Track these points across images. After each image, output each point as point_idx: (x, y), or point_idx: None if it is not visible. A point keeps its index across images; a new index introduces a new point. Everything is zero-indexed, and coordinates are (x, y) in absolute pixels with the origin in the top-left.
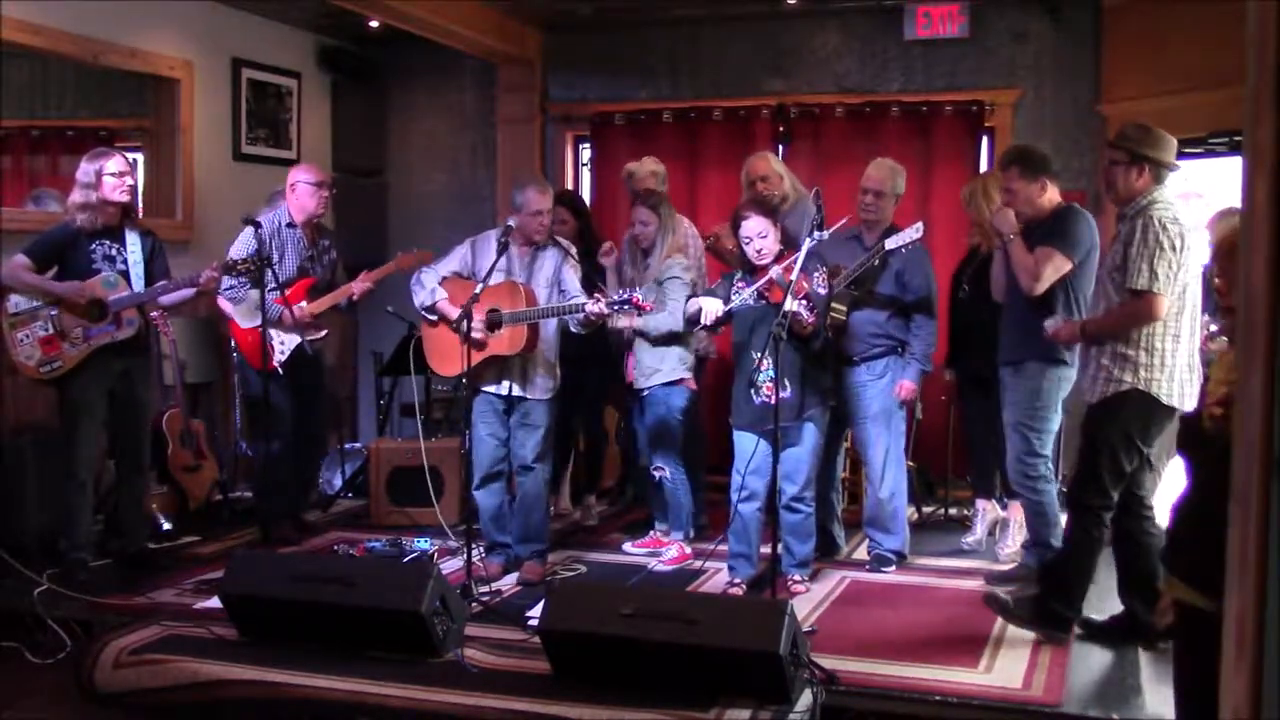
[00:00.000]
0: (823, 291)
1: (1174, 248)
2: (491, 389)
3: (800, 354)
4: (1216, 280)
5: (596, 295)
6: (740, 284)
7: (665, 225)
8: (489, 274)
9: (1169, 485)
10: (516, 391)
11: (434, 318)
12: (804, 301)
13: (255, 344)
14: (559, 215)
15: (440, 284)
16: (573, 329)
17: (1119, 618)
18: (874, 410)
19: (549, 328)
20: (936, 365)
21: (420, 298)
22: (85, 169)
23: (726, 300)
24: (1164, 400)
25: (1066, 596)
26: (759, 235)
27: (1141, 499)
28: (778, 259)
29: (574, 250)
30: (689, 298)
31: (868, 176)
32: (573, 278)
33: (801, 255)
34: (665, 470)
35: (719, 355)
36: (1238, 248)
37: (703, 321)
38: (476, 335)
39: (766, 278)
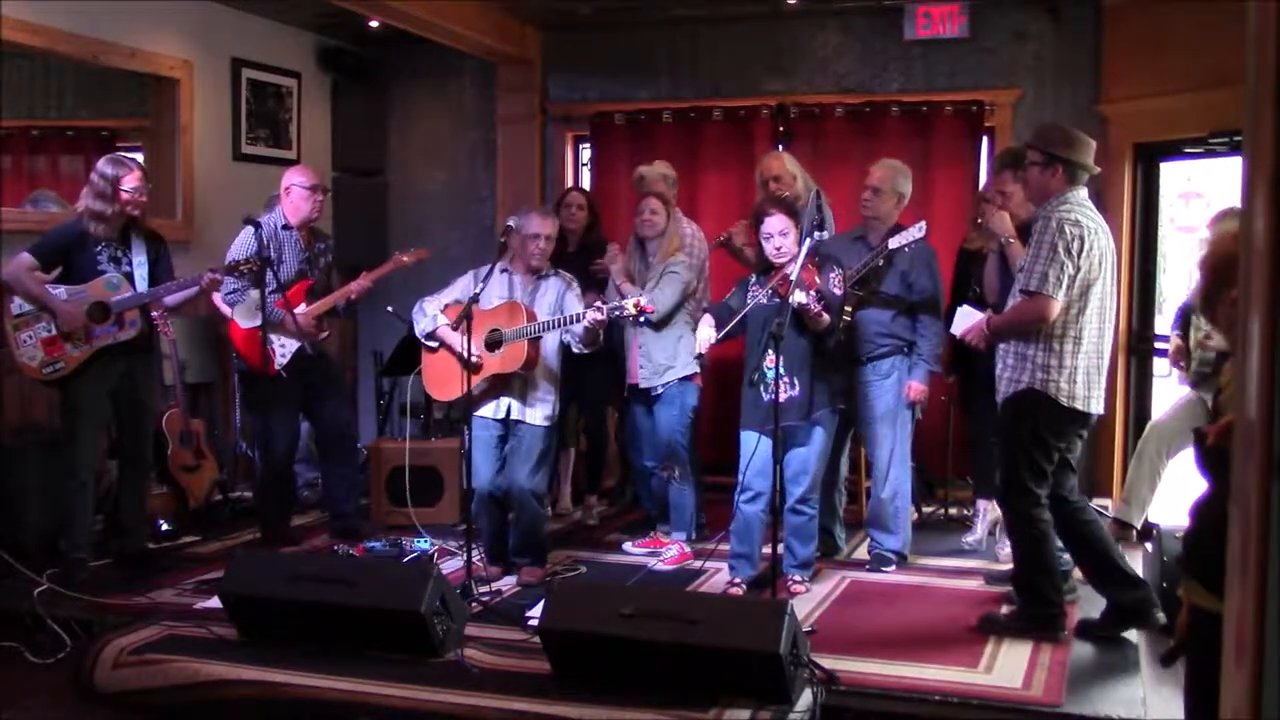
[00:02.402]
0: (838, 292)
1: (1069, 251)
2: (488, 413)
3: (812, 351)
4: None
5: (598, 304)
6: (755, 287)
7: (670, 221)
8: (480, 292)
9: (1174, 487)
10: (514, 414)
11: (434, 344)
12: (813, 294)
13: (254, 345)
14: (576, 201)
15: (442, 311)
16: (574, 350)
17: (1106, 612)
18: (880, 410)
19: (550, 349)
20: (943, 365)
21: (421, 325)
22: (104, 174)
23: (743, 305)
24: (1062, 402)
25: (1040, 596)
26: (780, 233)
27: (1065, 498)
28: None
29: (575, 282)
30: (683, 298)
31: (869, 173)
32: (576, 305)
33: (802, 254)
34: (674, 470)
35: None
36: (1217, 285)
37: (697, 350)
38: (474, 359)
39: (782, 275)
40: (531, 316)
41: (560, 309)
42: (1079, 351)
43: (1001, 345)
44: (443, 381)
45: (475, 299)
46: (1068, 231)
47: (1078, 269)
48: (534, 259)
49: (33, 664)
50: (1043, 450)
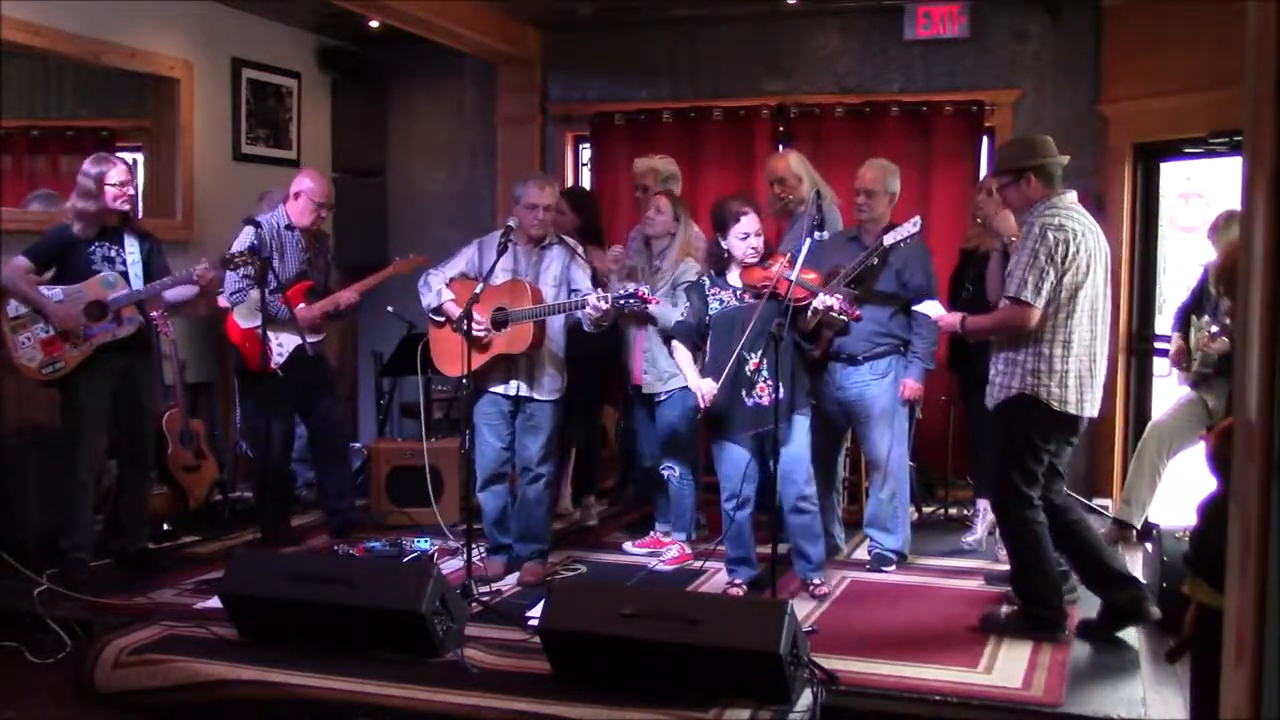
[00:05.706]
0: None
1: (1050, 257)
2: (499, 389)
3: (793, 353)
4: (1225, 304)
5: (600, 292)
6: (714, 288)
7: (680, 223)
8: (490, 273)
9: (1174, 487)
10: (524, 392)
11: (441, 319)
12: (838, 296)
13: (251, 342)
14: (558, 208)
15: (447, 285)
16: (585, 328)
17: (1102, 612)
18: (877, 410)
19: (555, 326)
20: (939, 364)
21: (427, 299)
22: (88, 173)
23: (705, 304)
24: (1054, 406)
25: (1038, 598)
26: (755, 233)
27: (1050, 500)
28: (768, 258)
29: (581, 249)
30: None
31: (860, 176)
32: (582, 276)
33: (802, 255)
34: (675, 471)
35: None
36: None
37: (700, 404)
38: (479, 333)
39: (767, 275)
40: (536, 294)
41: (567, 281)
42: (1069, 355)
43: (993, 352)
44: (450, 357)
45: (485, 282)
46: (1050, 237)
47: (1061, 274)
48: (533, 229)
49: (33, 664)
50: (1033, 454)
